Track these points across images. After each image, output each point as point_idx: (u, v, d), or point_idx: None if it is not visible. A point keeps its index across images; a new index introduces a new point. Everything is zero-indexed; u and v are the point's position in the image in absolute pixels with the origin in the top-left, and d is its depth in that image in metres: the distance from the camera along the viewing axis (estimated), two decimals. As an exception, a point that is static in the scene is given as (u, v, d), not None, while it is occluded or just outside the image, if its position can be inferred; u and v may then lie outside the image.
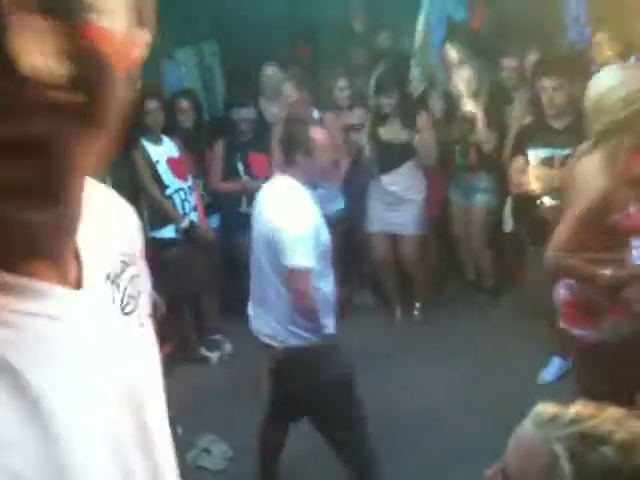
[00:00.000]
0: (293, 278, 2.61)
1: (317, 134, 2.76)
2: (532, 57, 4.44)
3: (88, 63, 0.49)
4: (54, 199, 0.53)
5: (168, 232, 4.35)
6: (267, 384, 2.86)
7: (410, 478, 3.19)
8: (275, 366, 2.78)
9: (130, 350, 0.69)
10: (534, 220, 3.67)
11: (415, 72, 4.98)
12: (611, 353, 2.42)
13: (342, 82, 4.73)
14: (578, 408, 1.06)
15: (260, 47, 5.25)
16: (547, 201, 3.59)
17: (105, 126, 0.54)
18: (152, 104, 4.35)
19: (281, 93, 4.66)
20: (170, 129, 4.48)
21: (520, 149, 3.81)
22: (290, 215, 2.65)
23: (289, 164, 2.78)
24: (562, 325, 2.62)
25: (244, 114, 4.57)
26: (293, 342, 2.69)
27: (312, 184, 2.84)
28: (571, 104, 3.55)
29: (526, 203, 3.79)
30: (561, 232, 2.38)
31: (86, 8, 0.49)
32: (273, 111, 4.88)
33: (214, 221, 4.69)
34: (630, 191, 2.30)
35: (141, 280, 0.77)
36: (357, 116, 4.73)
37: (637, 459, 0.97)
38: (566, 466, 0.98)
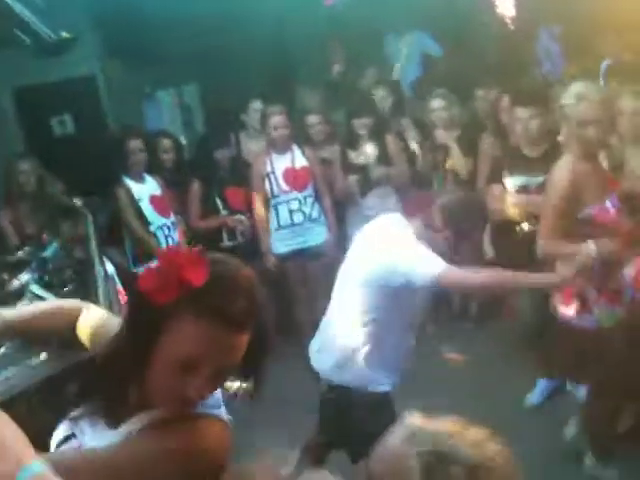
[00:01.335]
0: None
1: None
2: (493, 91, 4.63)
3: None
4: None
5: (152, 268, 4.36)
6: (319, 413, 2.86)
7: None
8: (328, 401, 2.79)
9: None
10: (514, 246, 3.73)
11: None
12: (607, 338, 2.69)
13: (315, 118, 4.81)
14: (442, 425, 1.08)
15: (241, 86, 5.35)
16: (525, 227, 3.66)
17: None
18: (134, 144, 4.41)
19: (265, 128, 4.72)
20: (152, 168, 4.54)
21: (497, 177, 3.90)
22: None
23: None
24: (560, 317, 2.82)
25: (224, 154, 4.63)
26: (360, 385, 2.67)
27: None
28: (546, 133, 3.65)
29: (505, 230, 3.86)
30: (543, 222, 2.83)
31: None
32: (252, 147, 4.95)
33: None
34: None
35: None
36: (330, 151, 4.83)
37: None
38: None
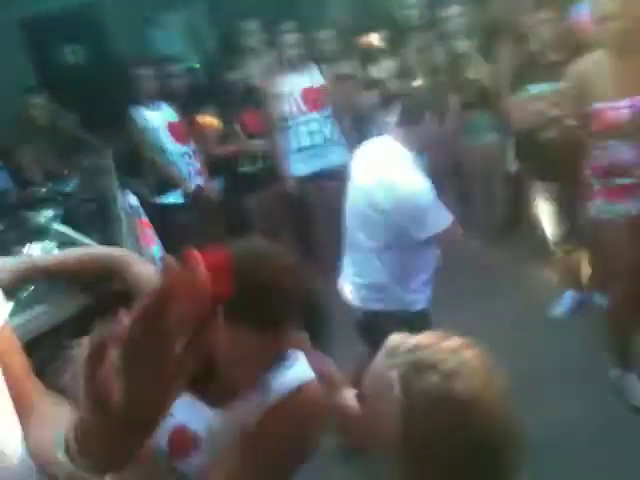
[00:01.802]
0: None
1: None
2: None
3: None
4: None
5: (174, 197, 4.37)
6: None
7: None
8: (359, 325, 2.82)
9: None
10: (538, 155, 3.66)
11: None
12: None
13: (325, 34, 4.66)
14: (420, 338, 1.10)
15: (248, 7, 5.17)
16: (549, 134, 3.57)
17: None
18: (144, 71, 4.33)
19: (277, 46, 4.59)
20: (166, 95, 4.47)
21: (518, 85, 3.78)
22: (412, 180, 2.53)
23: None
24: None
25: (235, 75, 4.52)
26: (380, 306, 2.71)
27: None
28: (565, 38, 3.51)
29: (528, 140, 3.77)
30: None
31: None
32: (256, 70, 4.83)
33: (217, 184, 4.69)
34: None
35: None
36: (345, 67, 4.70)
37: (459, 386, 1.00)
38: (397, 390, 1.03)
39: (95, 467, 0.68)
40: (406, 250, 2.60)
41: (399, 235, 2.55)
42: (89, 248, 2.10)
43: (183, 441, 1.31)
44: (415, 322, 2.64)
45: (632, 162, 2.85)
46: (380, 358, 1.11)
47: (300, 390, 1.29)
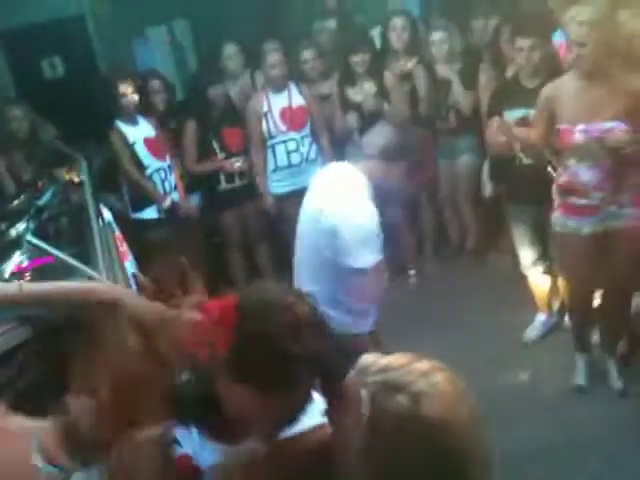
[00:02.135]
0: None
1: None
2: (493, 21, 4.46)
3: None
4: None
5: (150, 213, 4.35)
6: None
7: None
8: None
9: None
10: (513, 179, 3.71)
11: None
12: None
13: (309, 54, 4.67)
14: (391, 358, 1.11)
15: (233, 21, 5.20)
16: (525, 160, 3.61)
17: None
18: (125, 86, 4.31)
19: (261, 64, 4.61)
20: (144, 110, 4.46)
21: (496, 110, 3.82)
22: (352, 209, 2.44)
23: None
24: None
25: (217, 90, 4.50)
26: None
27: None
28: (545, 63, 3.56)
29: (504, 163, 3.81)
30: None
31: None
32: (235, 90, 4.82)
33: (194, 200, 4.67)
34: None
35: None
36: (327, 86, 4.72)
37: (427, 407, 1.01)
38: (365, 410, 1.04)
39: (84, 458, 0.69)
40: (342, 273, 2.48)
41: (332, 260, 2.46)
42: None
43: (186, 469, 1.27)
44: (352, 346, 2.49)
45: (588, 183, 3.01)
46: (351, 376, 1.12)
47: (310, 432, 1.25)
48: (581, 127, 2.93)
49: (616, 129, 2.87)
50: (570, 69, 3.06)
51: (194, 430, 1.27)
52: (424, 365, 1.09)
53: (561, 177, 3.12)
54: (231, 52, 4.82)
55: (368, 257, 2.39)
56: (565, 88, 3.02)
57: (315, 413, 1.22)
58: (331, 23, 5.05)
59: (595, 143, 2.92)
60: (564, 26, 3.03)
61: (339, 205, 2.43)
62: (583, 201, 3.05)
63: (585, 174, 3.00)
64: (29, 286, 1.54)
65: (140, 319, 1.30)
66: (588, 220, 3.07)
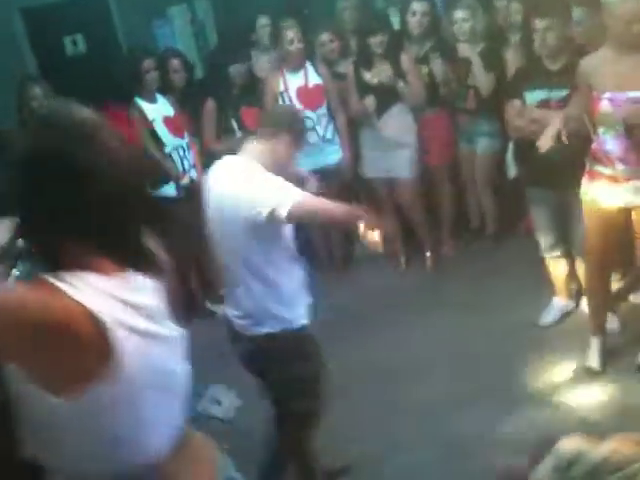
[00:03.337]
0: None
1: None
2: (515, 2, 4.38)
3: None
4: None
5: (168, 190, 4.37)
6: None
7: (417, 419, 3.27)
8: (247, 353, 2.60)
9: None
10: (535, 162, 3.66)
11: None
12: None
13: (327, 36, 4.66)
14: (612, 446, 0.79)
15: (253, 3, 5.16)
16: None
17: None
18: (147, 63, 4.33)
19: (278, 43, 4.60)
20: (164, 88, 4.47)
21: (516, 92, 3.77)
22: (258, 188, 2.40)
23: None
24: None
25: (237, 69, 4.50)
26: (265, 330, 2.49)
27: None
28: (564, 44, 3.51)
29: (526, 146, 3.76)
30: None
31: None
32: (264, 64, 4.83)
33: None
34: None
35: None
36: (344, 66, 4.70)
37: None
38: None
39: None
40: (267, 264, 2.44)
41: (253, 246, 2.41)
42: None
43: None
44: (300, 341, 2.51)
45: (612, 153, 3.02)
46: (544, 469, 0.82)
47: None
48: (608, 95, 2.95)
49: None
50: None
51: None
52: None
53: (593, 144, 3.13)
54: (264, 23, 4.86)
55: (290, 194, 2.32)
56: (599, 59, 3.03)
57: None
58: (352, 2, 5.00)
59: (618, 113, 2.91)
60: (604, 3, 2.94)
61: (244, 181, 2.42)
62: (608, 171, 3.07)
63: (610, 143, 3.02)
64: None
65: None
66: (610, 190, 3.08)
